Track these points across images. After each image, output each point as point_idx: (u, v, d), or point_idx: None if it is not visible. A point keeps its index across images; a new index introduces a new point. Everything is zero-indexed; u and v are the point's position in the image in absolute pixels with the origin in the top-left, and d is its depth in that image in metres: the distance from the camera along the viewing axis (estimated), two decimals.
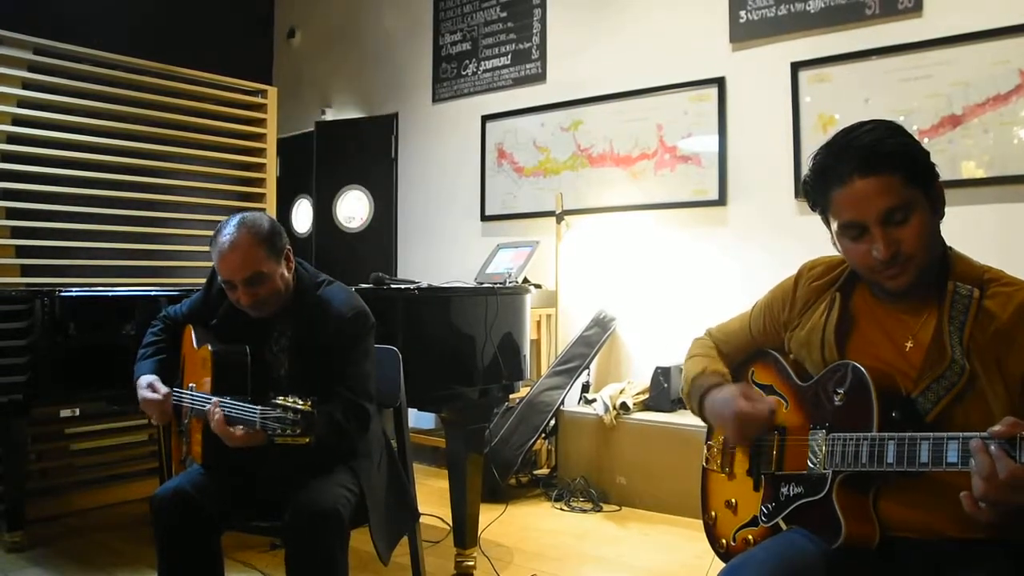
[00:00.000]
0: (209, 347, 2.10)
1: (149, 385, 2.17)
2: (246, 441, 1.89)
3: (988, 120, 3.31)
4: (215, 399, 1.94)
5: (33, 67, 3.69)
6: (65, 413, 3.67)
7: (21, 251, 3.65)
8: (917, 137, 1.44)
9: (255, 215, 2.12)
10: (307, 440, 1.79)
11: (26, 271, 3.65)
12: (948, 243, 1.43)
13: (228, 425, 1.90)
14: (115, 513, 3.68)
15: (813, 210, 1.46)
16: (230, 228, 2.06)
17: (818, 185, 1.41)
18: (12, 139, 3.61)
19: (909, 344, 1.39)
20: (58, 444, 3.72)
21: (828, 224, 1.44)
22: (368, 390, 2.12)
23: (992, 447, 1.14)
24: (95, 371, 2.98)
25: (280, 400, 1.78)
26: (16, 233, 3.62)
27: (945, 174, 1.42)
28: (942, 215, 1.40)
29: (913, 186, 1.34)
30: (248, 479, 2.07)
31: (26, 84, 3.66)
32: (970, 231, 1.40)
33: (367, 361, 2.14)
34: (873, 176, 1.33)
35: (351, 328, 2.10)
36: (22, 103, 3.65)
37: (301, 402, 1.77)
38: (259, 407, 1.83)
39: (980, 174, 3.33)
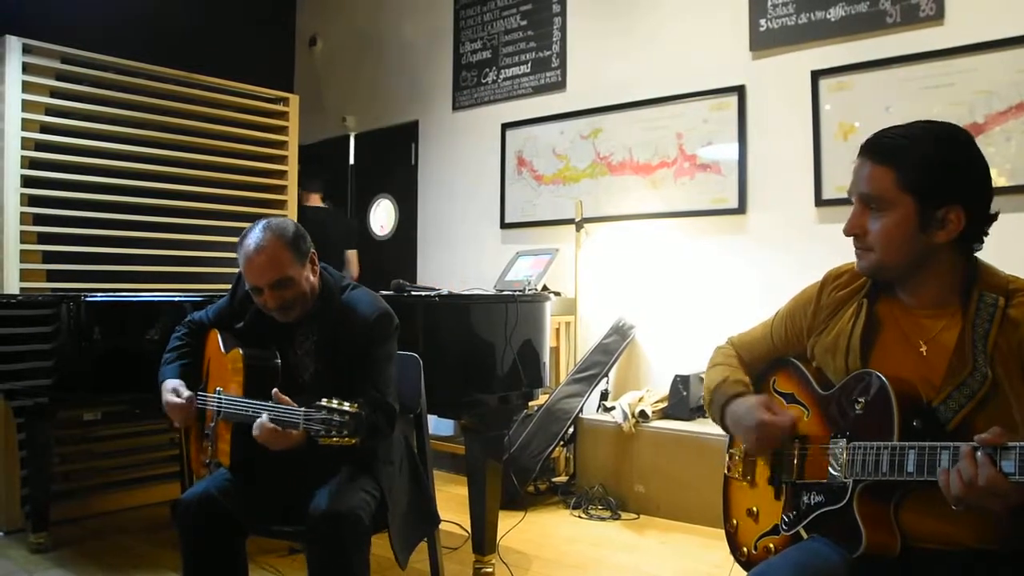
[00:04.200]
0: (240, 351, 2.12)
1: (173, 390, 2.19)
2: (291, 443, 1.91)
3: (1010, 128, 3.29)
4: (264, 414, 1.94)
5: (60, 76, 3.75)
6: (88, 416, 3.72)
7: (47, 256, 3.70)
8: None
9: (279, 220, 2.15)
10: (353, 441, 1.80)
11: (52, 276, 3.70)
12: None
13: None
14: (136, 516, 3.72)
15: None
16: (256, 233, 2.08)
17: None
18: (40, 146, 3.66)
19: (932, 352, 1.39)
20: (81, 447, 3.77)
21: None
22: (393, 391, 2.14)
23: (979, 454, 1.18)
24: (119, 375, 3.01)
25: (325, 402, 1.80)
26: (43, 239, 3.67)
27: None
28: (941, 239, 1.36)
29: (905, 191, 1.35)
30: (273, 483, 2.09)
31: (53, 92, 3.72)
32: (992, 240, 1.39)
33: (390, 363, 2.16)
34: (868, 160, 1.40)
35: (376, 330, 2.12)
36: (49, 111, 3.71)
37: (348, 404, 1.79)
38: (303, 409, 1.85)
39: (1002, 182, 3.31)
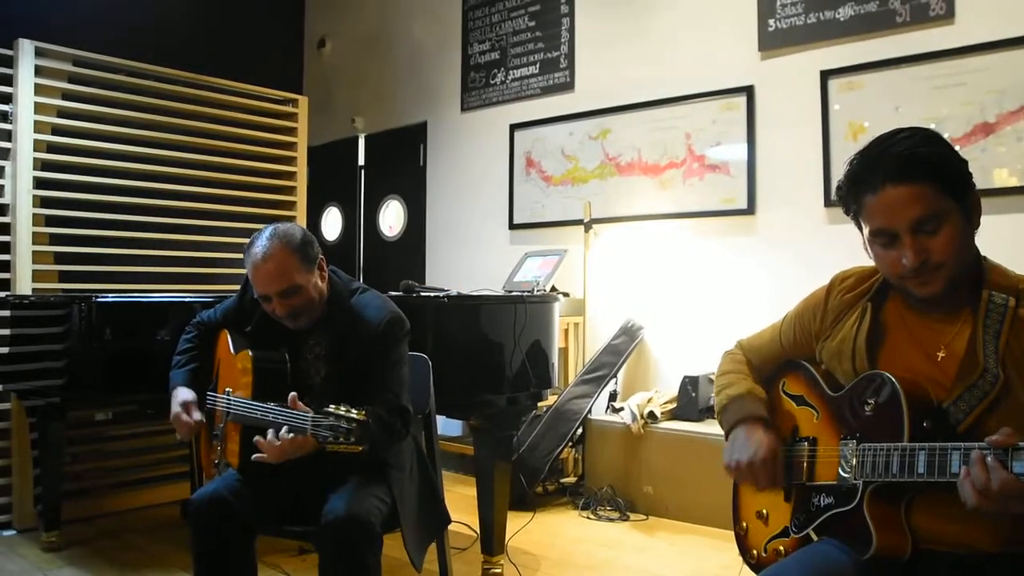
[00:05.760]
0: (250, 353, 2.12)
1: (183, 403, 2.18)
2: (302, 450, 1.91)
3: (1022, 128, 3.27)
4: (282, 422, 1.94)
5: (72, 78, 3.77)
6: (100, 416, 3.74)
7: (59, 257, 3.73)
8: None
9: (287, 226, 2.14)
10: (360, 449, 1.80)
11: (64, 277, 3.72)
12: (981, 252, 1.42)
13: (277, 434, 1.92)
14: (146, 515, 3.74)
15: (847, 215, 1.46)
16: (263, 240, 2.08)
17: (851, 191, 1.41)
18: (52, 148, 3.69)
19: (942, 354, 1.39)
20: (93, 447, 3.79)
21: (860, 229, 1.44)
22: (406, 393, 2.14)
23: (988, 459, 1.17)
24: (130, 375, 3.03)
25: (332, 408, 1.79)
26: (54, 240, 3.70)
27: (978, 182, 1.41)
28: (977, 225, 1.39)
29: (946, 196, 1.33)
30: (283, 483, 2.09)
31: (65, 95, 3.75)
32: (1003, 240, 1.38)
33: (403, 366, 2.16)
34: (905, 184, 1.33)
35: (387, 334, 2.12)
36: (61, 113, 3.73)
37: (355, 411, 1.79)
38: (311, 415, 1.84)
39: (1013, 182, 3.29)
